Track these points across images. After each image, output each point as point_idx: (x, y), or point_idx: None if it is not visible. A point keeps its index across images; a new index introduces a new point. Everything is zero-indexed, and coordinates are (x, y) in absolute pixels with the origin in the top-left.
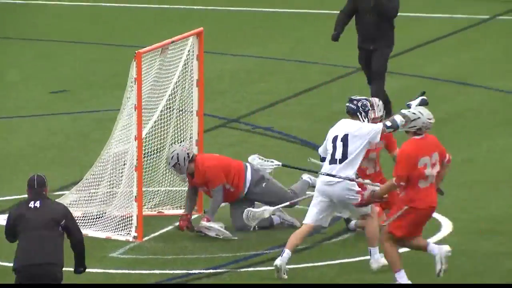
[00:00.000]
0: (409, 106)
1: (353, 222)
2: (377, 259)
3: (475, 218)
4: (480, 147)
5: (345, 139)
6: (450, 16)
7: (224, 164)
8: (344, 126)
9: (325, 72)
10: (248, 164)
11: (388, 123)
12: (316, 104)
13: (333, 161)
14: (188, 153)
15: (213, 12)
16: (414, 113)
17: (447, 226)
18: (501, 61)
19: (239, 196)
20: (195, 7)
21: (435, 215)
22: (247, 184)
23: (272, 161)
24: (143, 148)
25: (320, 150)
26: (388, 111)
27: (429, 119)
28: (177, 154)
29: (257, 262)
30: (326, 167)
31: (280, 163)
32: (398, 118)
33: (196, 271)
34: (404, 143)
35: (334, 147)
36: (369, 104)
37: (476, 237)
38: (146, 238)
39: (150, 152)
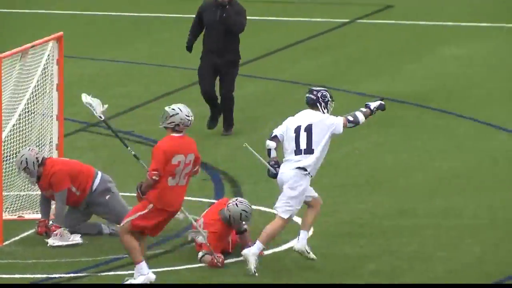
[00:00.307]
0: (367, 106)
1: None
2: (303, 243)
3: (335, 221)
4: (340, 150)
5: (308, 129)
6: (309, 20)
7: (72, 168)
8: (306, 116)
9: (185, 76)
10: (99, 172)
11: (350, 118)
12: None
13: (298, 151)
14: (37, 157)
15: (73, 17)
16: (173, 109)
17: None
18: (361, 63)
19: (82, 201)
20: (55, 11)
21: (295, 218)
22: (93, 189)
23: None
24: (3, 151)
25: (276, 130)
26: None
27: (188, 116)
28: (26, 158)
29: (117, 266)
30: (292, 157)
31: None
32: (359, 115)
33: (57, 275)
34: (161, 140)
35: (298, 137)
36: (328, 95)
37: (336, 240)
38: (6, 242)
39: (11, 155)
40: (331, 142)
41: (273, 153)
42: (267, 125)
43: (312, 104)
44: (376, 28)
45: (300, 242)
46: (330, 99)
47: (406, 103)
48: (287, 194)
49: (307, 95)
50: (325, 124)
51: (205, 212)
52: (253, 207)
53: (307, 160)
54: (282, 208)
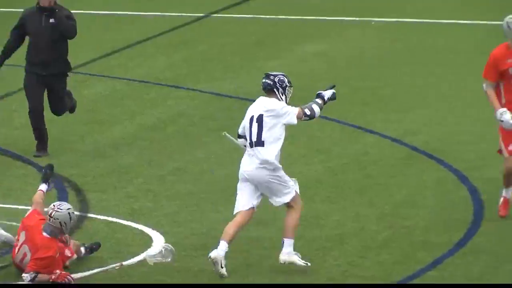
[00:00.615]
0: (319, 95)
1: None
2: (289, 253)
3: (188, 233)
4: (193, 155)
5: (260, 119)
6: (162, 15)
7: None
8: (260, 105)
9: None
10: None
11: (307, 111)
12: (15, 110)
13: (251, 143)
14: None
15: None
16: None
17: (158, 241)
18: (217, 61)
19: None
20: None
21: (145, 228)
22: None
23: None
24: None
25: (240, 129)
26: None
27: None
28: None
29: None
30: (247, 148)
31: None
32: (316, 108)
33: None
34: None
35: (250, 128)
36: (286, 80)
37: (190, 253)
38: None
39: None
40: (183, 147)
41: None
42: (115, 126)
43: (269, 90)
44: (233, 22)
45: (285, 252)
46: (288, 84)
47: None
48: (278, 189)
49: (263, 80)
50: (279, 113)
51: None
52: (100, 217)
53: (261, 155)
54: (287, 195)
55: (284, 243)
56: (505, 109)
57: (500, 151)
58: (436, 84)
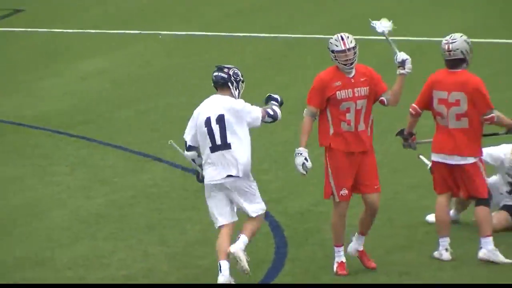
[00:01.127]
0: (271, 98)
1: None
2: (240, 248)
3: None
4: None
5: (220, 120)
6: None
7: None
8: (215, 104)
9: None
10: None
11: (270, 112)
12: None
13: (215, 147)
14: None
15: None
16: None
17: None
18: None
19: None
20: None
21: None
22: None
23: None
24: None
25: (186, 136)
26: None
27: None
28: None
29: None
30: (209, 155)
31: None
32: (277, 109)
33: None
34: None
35: (211, 132)
36: (240, 74)
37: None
38: None
39: None
40: None
41: (198, 160)
42: None
43: (222, 84)
44: (2, 36)
45: (237, 246)
46: (241, 78)
47: (41, 128)
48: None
49: (216, 73)
50: (242, 111)
51: None
52: None
53: (231, 159)
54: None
55: (240, 237)
56: (303, 149)
57: (328, 196)
58: None
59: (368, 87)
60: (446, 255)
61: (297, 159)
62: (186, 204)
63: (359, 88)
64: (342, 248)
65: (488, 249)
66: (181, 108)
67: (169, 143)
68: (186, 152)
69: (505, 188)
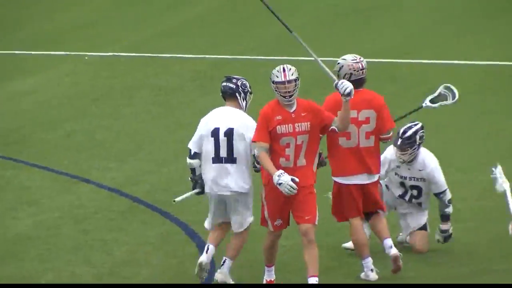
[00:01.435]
0: None
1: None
2: (225, 273)
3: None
4: None
5: (229, 134)
6: None
7: None
8: (225, 117)
9: None
10: None
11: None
12: None
13: (217, 159)
14: None
15: None
16: None
17: None
18: None
19: None
20: None
21: None
22: None
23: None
24: None
25: (192, 144)
26: None
27: None
28: None
29: None
30: (208, 167)
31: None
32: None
33: None
34: None
35: (217, 143)
36: (248, 85)
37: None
38: None
39: None
40: None
41: (198, 171)
42: None
43: (230, 94)
44: None
45: (221, 271)
46: (249, 89)
47: None
48: (244, 214)
49: (224, 83)
50: (253, 128)
51: None
52: None
53: (235, 174)
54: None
55: (226, 263)
56: (282, 171)
57: (263, 224)
58: (160, 124)
59: (309, 122)
60: (372, 275)
61: (283, 178)
62: (112, 225)
63: (299, 123)
64: (273, 268)
65: (368, 267)
66: (108, 129)
67: (173, 202)
68: (190, 160)
69: (399, 191)
